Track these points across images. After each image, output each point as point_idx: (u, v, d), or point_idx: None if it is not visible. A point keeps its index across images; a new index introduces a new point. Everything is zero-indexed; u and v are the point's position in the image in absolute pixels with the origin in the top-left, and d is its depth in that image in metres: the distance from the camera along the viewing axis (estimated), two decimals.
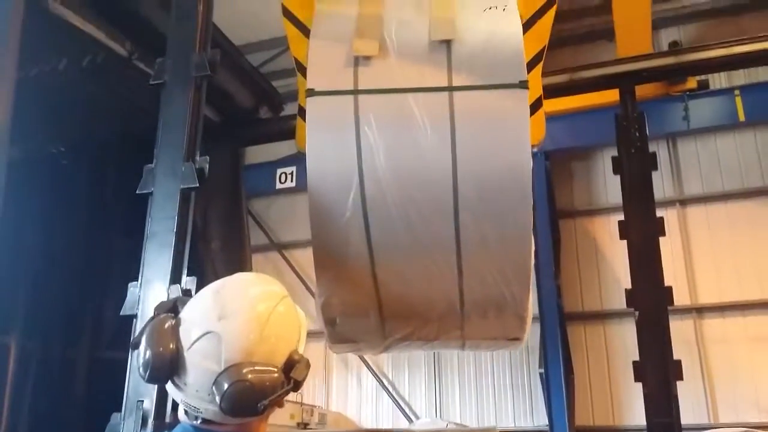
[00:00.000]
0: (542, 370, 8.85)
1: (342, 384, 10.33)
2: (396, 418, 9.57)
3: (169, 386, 1.51)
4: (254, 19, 9.18)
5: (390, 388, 9.93)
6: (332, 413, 9.44)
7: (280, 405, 1.52)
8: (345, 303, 2.96)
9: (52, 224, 4.58)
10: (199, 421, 1.49)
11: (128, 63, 3.94)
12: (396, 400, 9.81)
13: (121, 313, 2.53)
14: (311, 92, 2.81)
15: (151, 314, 1.57)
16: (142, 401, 2.31)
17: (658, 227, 4.26)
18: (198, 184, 2.61)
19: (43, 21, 3.60)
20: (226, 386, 1.39)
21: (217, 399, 1.40)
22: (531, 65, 3.15)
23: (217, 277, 1.62)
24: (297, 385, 1.50)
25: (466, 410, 9.50)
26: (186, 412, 1.51)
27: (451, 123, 2.66)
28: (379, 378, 9.97)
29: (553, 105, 4.03)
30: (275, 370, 1.45)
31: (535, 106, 3.20)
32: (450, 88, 2.69)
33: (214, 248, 3.81)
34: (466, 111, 2.67)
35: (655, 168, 4.45)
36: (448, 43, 2.77)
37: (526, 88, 2.64)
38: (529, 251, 2.61)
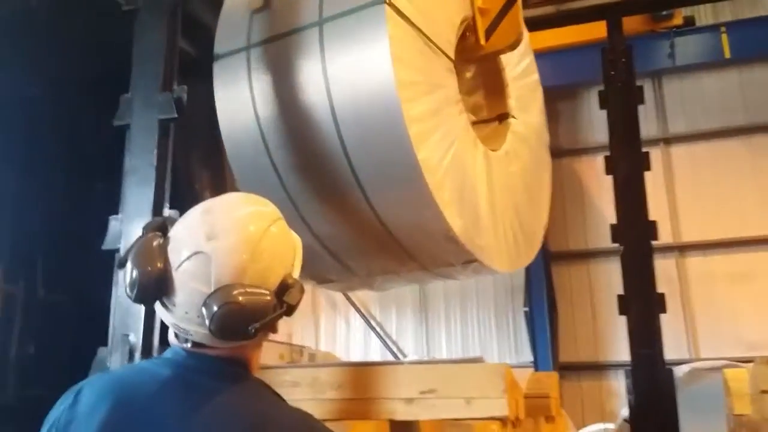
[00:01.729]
0: (527, 309, 9.00)
1: (330, 325, 10.45)
2: (385, 356, 9.73)
3: (158, 307, 1.46)
4: None
5: (378, 328, 10.06)
6: (321, 353, 9.56)
7: (274, 330, 1.46)
8: None
9: (31, 169, 4.48)
10: (189, 345, 1.45)
11: None
12: (384, 340, 9.95)
13: (103, 248, 2.47)
14: (216, 57, 2.93)
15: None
16: (128, 335, 2.28)
17: (644, 161, 4.24)
18: (176, 115, 2.53)
19: None
20: (215, 308, 1.34)
21: (207, 321, 1.35)
22: None
23: None
24: (290, 309, 1.44)
25: (452, 348, 9.66)
26: (176, 335, 1.47)
27: (322, 58, 2.62)
28: (367, 318, 10.08)
29: (538, 42, 3.93)
30: (267, 292, 1.40)
31: (509, 3, 3.13)
32: (320, 23, 2.65)
33: (198, 189, 3.74)
34: (333, 43, 2.62)
35: (642, 101, 4.40)
36: None
37: (383, 2, 2.50)
38: (418, 172, 2.50)
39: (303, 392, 2.56)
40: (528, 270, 8.83)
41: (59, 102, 4.40)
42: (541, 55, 3.92)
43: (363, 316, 10.11)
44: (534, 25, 3.97)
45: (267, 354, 7.67)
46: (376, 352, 9.97)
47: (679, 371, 5.31)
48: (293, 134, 2.73)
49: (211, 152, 3.33)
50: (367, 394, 2.52)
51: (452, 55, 2.88)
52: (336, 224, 2.84)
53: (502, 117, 3.49)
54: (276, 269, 1.45)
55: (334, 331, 10.44)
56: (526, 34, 3.78)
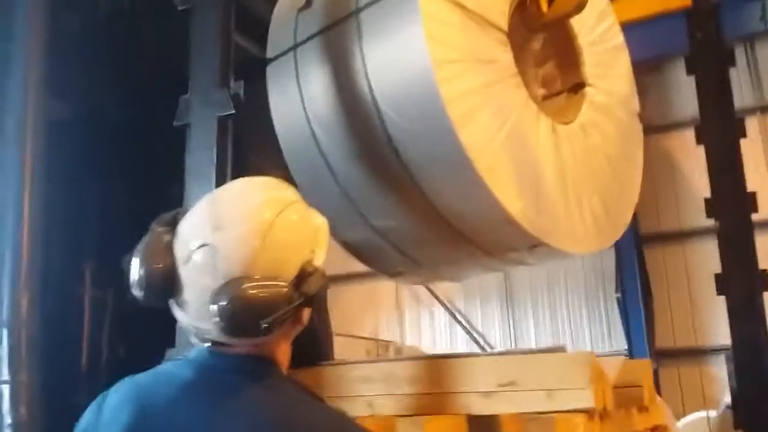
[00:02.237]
0: (619, 295, 8.63)
1: (415, 319, 10.36)
2: (471, 349, 9.55)
3: (173, 307, 1.40)
4: None
5: (463, 320, 9.90)
6: (407, 347, 9.50)
7: (299, 322, 1.37)
8: (356, 243, 3.00)
9: (110, 178, 4.61)
10: (209, 344, 1.37)
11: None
12: (469, 331, 9.78)
13: None
14: (268, 61, 2.96)
15: None
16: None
17: (739, 128, 3.93)
18: (234, 111, 2.53)
19: None
20: (223, 304, 1.26)
21: (216, 318, 1.27)
22: None
23: None
24: (309, 301, 1.34)
25: (542, 338, 9.37)
26: (195, 335, 1.40)
27: (360, 48, 2.55)
28: (451, 310, 9.94)
29: (619, 14, 3.69)
30: (282, 284, 1.30)
31: None
32: (356, 12, 2.59)
33: None
34: (369, 31, 2.55)
35: (733, 63, 4.08)
36: None
37: None
38: (464, 155, 2.37)
39: (377, 387, 2.48)
40: (618, 254, 8.45)
41: (131, 110, 4.50)
42: (623, 28, 3.68)
43: (446, 308, 9.98)
44: None
45: (353, 350, 7.70)
46: (461, 345, 9.82)
47: None
48: (341, 128, 2.71)
49: (276, 148, 3.35)
50: (444, 388, 2.40)
51: (505, 26, 2.72)
52: (391, 215, 2.78)
53: (578, 87, 3.28)
54: (291, 258, 1.35)
55: (419, 324, 10.35)
56: None
